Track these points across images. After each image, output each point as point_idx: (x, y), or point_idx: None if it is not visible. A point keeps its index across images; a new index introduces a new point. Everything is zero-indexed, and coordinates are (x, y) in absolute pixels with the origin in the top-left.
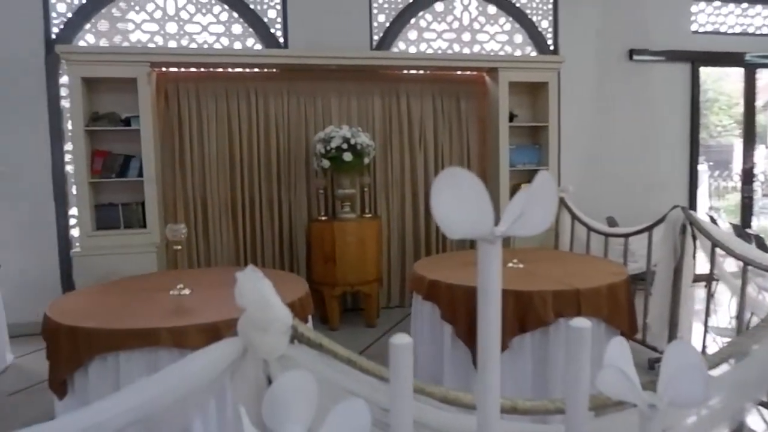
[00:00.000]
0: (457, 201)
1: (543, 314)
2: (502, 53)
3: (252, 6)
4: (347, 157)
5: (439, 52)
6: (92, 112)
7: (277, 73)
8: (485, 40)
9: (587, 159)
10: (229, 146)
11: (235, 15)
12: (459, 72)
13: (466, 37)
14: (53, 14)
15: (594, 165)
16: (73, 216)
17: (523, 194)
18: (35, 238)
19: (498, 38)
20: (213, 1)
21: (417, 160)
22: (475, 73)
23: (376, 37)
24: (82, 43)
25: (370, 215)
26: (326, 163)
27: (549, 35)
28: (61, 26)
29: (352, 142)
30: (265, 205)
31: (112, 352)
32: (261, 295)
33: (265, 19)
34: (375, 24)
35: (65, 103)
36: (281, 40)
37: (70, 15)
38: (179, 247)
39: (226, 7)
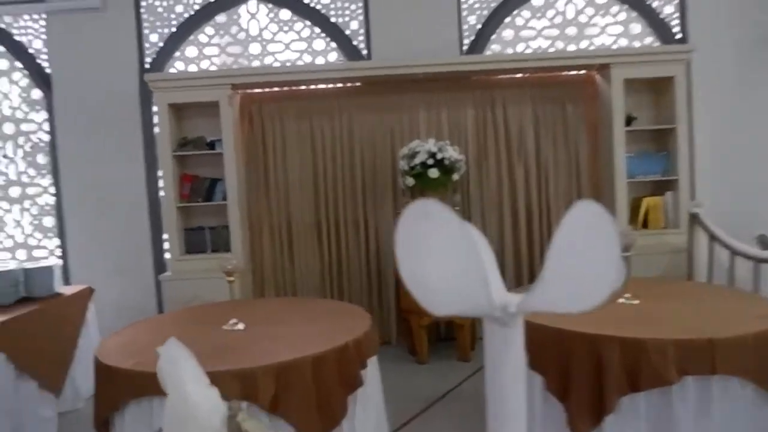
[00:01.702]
0: (438, 252)
1: (662, 370)
2: (615, 47)
3: (333, 19)
4: (433, 173)
5: (540, 51)
6: (181, 138)
7: (360, 87)
8: (595, 33)
9: (728, 166)
10: (312, 166)
11: (317, 30)
12: (564, 72)
13: (572, 31)
14: (146, 44)
15: (737, 173)
16: (166, 240)
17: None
18: (132, 262)
19: (610, 30)
20: (294, 18)
21: (516, 174)
22: (583, 72)
23: (466, 41)
24: (172, 71)
25: None
26: (410, 180)
27: (674, 21)
28: (154, 56)
29: (439, 156)
30: (350, 227)
31: (145, 396)
32: (178, 383)
33: (347, 32)
34: (465, 27)
35: (158, 130)
36: (364, 51)
37: (161, 44)
38: (232, 279)
39: (307, 23)
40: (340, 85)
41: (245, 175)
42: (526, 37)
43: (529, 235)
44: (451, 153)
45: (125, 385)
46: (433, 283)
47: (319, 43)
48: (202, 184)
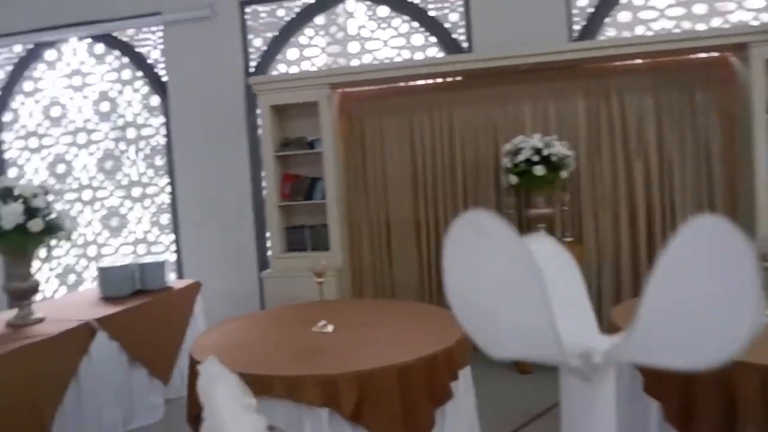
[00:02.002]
0: (493, 279)
1: None
2: (757, 23)
3: (432, 13)
4: (538, 170)
5: (663, 33)
6: (283, 138)
7: (461, 81)
8: (730, 10)
9: None
10: (411, 163)
11: (415, 25)
12: (692, 56)
13: (700, 9)
14: (251, 49)
15: None
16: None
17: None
18: (238, 259)
19: (748, 4)
20: (392, 14)
21: (635, 171)
22: (715, 54)
23: (576, 27)
24: (274, 73)
25: (570, 239)
26: (514, 178)
27: None
28: (258, 59)
29: (545, 152)
30: (449, 225)
31: None
32: (214, 407)
33: (447, 25)
34: (574, 11)
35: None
36: (465, 44)
37: (265, 48)
38: (321, 281)
39: (405, 18)
40: (439, 80)
41: (344, 174)
42: (646, 18)
43: (649, 240)
44: (559, 149)
45: None
46: (488, 317)
47: (418, 38)
48: (302, 184)
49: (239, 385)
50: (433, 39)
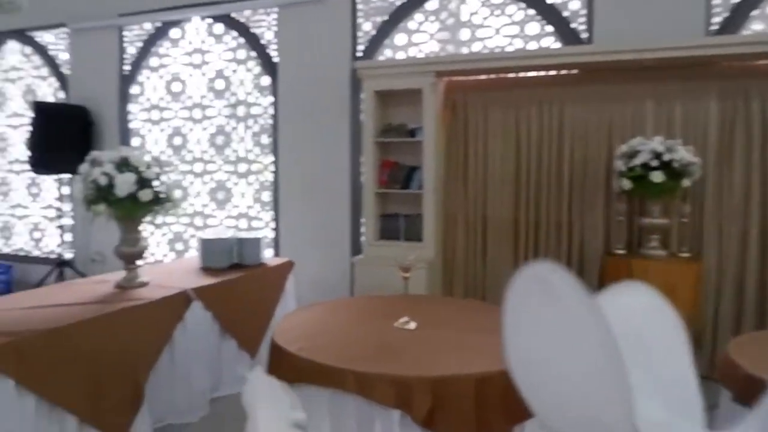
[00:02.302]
0: (556, 344)
1: None
2: None
3: (550, 0)
4: (657, 177)
5: None
6: (385, 124)
7: (576, 75)
8: None
9: None
10: (515, 159)
11: (531, 12)
12: None
13: None
14: (359, 33)
15: None
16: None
17: None
18: (332, 242)
19: None
20: (507, 1)
21: None
22: None
23: (717, 19)
24: (381, 58)
25: (687, 254)
26: (627, 183)
27: None
28: (366, 44)
29: (666, 158)
30: (552, 229)
31: (305, 383)
32: (257, 422)
33: (566, 13)
34: (716, 1)
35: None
36: (584, 35)
37: (373, 32)
38: (408, 276)
39: (521, 5)
40: (553, 72)
41: (443, 165)
42: None
43: None
44: (683, 154)
45: (288, 367)
46: (552, 394)
47: (533, 27)
48: (400, 172)
49: (288, 398)
50: (550, 28)
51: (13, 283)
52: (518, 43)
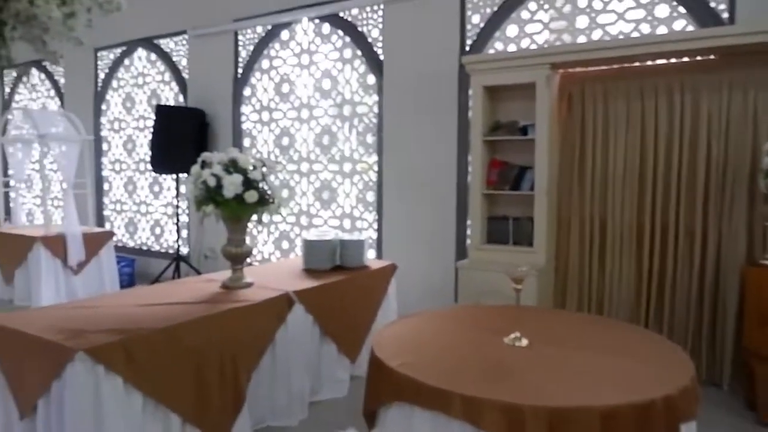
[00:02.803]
0: None
1: None
2: None
3: None
4: None
5: None
6: (494, 122)
7: (715, 61)
8: None
9: None
10: (640, 156)
11: None
12: None
13: None
14: (468, 26)
15: None
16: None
17: None
18: (436, 245)
19: None
20: None
21: None
22: None
23: None
24: (491, 51)
25: None
26: None
27: None
28: (474, 37)
29: None
30: (682, 235)
31: (406, 402)
32: None
33: None
34: None
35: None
36: (725, 15)
37: (482, 25)
38: (519, 288)
39: None
40: (686, 59)
41: (558, 164)
42: None
43: None
44: None
45: (389, 384)
46: None
47: (663, 9)
48: (510, 171)
49: None
50: (682, 9)
51: (135, 275)
52: (644, 28)
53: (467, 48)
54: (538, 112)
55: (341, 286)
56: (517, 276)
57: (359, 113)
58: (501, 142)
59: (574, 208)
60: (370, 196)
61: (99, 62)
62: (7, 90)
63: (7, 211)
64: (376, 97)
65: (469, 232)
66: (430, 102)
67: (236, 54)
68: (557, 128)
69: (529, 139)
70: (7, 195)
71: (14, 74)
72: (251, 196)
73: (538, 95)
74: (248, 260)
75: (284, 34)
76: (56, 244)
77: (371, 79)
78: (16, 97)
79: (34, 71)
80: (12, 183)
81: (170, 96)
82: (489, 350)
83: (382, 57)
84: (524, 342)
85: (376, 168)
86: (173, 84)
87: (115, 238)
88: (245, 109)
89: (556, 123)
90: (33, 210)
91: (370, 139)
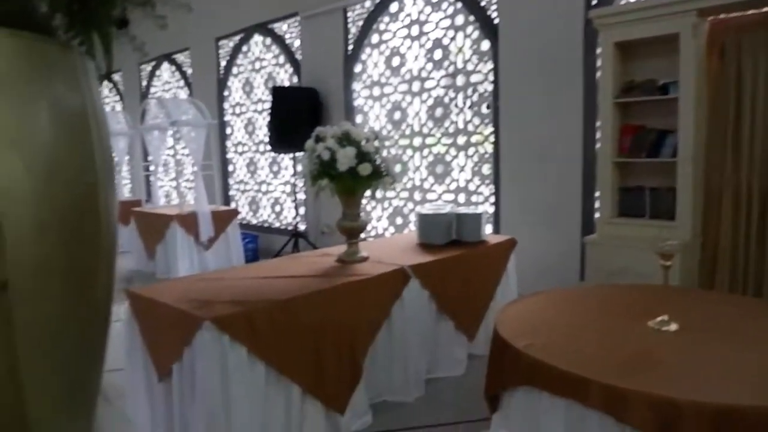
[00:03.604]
0: None
1: None
2: None
3: None
4: None
5: None
6: (626, 82)
7: None
8: None
9: None
10: None
11: None
12: None
13: None
14: None
15: None
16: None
17: None
18: (559, 219)
19: None
20: None
21: None
22: None
23: None
24: (623, 2)
25: None
26: None
27: None
28: None
29: None
30: None
31: (533, 387)
32: None
33: None
34: None
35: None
36: None
37: None
38: (669, 264)
39: None
40: None
41: (706, 127)
42: None
43: None
44: None
45: (513, 366)
46: None
47: None
48: (646, 137)
49: None
50: None
51: (259, 251)
52: None
53: (593, 2)
54: (682, 67)
55: (458, 262)
56: (666, 251)
57: (473, 82)
58: (635, 104)
59: (727, 176)
60: (486, 169)
61: (220, 51)
62: (144, 83)
63: (148, 193)
64: (491, 64)
65: (597, 204)
66: (551, 65)
67: (345, 31)
68: (706, 85)
69: (671, 98)
70: (147, 178)
71: (149, 69)
72: (365, 169)
73: (682, 48)
74: (362, 235)
75: (393, 6)
76: (189, 222)
77: (485, 45)
78: (151, 90)
79: (165, 65)
80: (151, 168)
81: (285, 78)
82: (630, 334)
83: (496, 20)
84: (673, 326)
85: (492, 139)
86: (287, 66)
87: (239, 216)
88: (356, 85)
89: (705, 79)
90: (169, 191)
91: (486, 109)
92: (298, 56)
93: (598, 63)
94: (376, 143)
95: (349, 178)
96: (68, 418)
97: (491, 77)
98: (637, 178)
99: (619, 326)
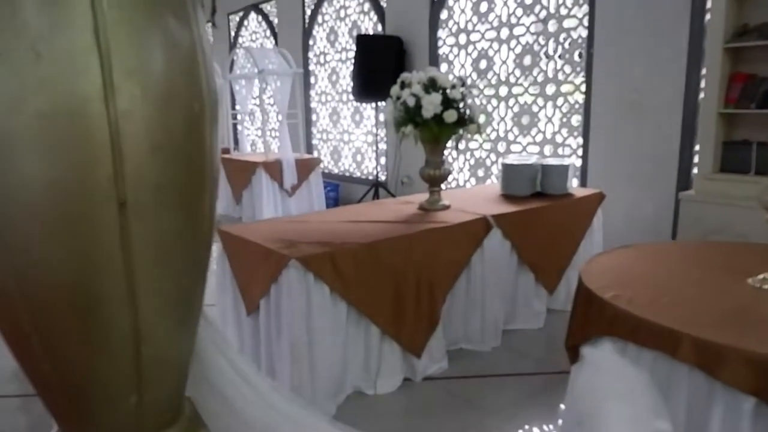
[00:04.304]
0: None
1: None
2: None
3: None
4: None
5: None
6: (739, 26)
7: None
8: None
9: None
10: None
11: None
12: None
13: None
14: None
15: None
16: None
17: None
18: (653, 173)
19: None
20: None
21: None
22: None
23: None
24: None
25: None
26: None
27: None
28: None
29: None
30: None
31: (618, 338)
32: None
33: None
34: None
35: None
36: None
37: None
38: None
39: None
40: None
41: None
42: None
43: None
44: None
45: (598, 317)
46: None
47: None
48: (758, 86)
49: (651, 399)
50: None
51: (339, 199)
52: None
53: None
54: None
55: (541, 214)
56: None
57: (566, 27)
58: (749, 50)
59: None
60: (575, 120)
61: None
62: (232, 33)
63: (235, 141)
64: (586, 8)
65: (696, 159)
66: (654, 8)
67: None
68: None
69: None
70: (235, 127)
71: (237, 19)
72: (450, 116)
73: None
74: (443, 186)
75: None
76: (274, 169)
77: None
78: (240, 40)
79: (252, 14)
80: (238, 117)
81: (369, 26)
82: (727, 291)
83: None
84: None
85: (583, 89)
86: (372, 14)
87: (321, 165)
88: (442, 33)
89: None
90: (255, 140)
91: (578, 57)
92: (383, 3)
93: (708, 4)
94: (463, 90)
95: (434, 125)
96: (177, 330)
97: (586, 22)
98: (743, 131)
99: (715, 282)
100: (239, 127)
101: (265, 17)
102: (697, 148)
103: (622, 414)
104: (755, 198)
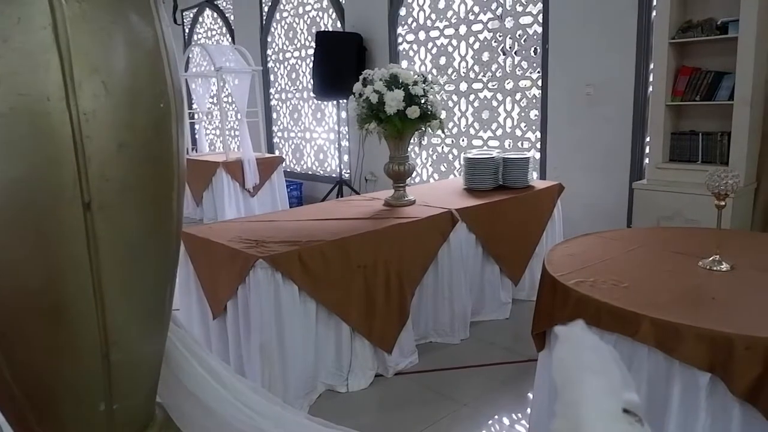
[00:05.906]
0: None
1: None
2: None
3: None
4: None
5: None
6: (684, 22)
7: None
8: None
9: None
10: None
11: None
12: None
13: None
14: None
15: None
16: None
17: None
18: (608, 164)
19: None
20: None
21: None
22: None
23: None
24: None
25: None
26: None
27: None
28: None
29: None
30: None
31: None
32: (575, 400)
33: None
34: None
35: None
36: None
37: None
38: (723, 204)
39: None
40: None
41: (767, 69)
42: None
43: None
44: None
45: (563, 303)
46: None
47: None
48: (702, 79)
49: (621, 372)
50: None
51: (303, 198)
52: None
53: None
54: (743, 3)
55: (504, 206)
56: (721, 190)
57: (522, 24)
58: (692, 44)
59: None
60: (533, 115)
61: None
62: (186, 30)
63: (193, 141)
64: (540, 5)
65: (648, 149)
66: (603, 5)
67: None
68: None
69: (730, 38)
70: (192, 126)
71: (191, 16)
72: (413, 112)
73: None
74: (408, 181)
75: None
76: (235, 169)
77: None
78: (195, 37)
79: (207, 11)
80: (196, 116)
81: (329, 23)
82: (681, 273)
83: None
84: (725, 266)
85: (539, 83)
86: (331, 11)
87: (283, 164)
88: (401, 30)
89: (767, 17)
90: (213, 139)
91: (533, 53)
92: (342, 0)
93: (654, 2)
94: (425, 86)
95: (397, 120)
96: (147, 333)
97: (540, 19)
98: (690, 122)
99: (669, 265)
100: (197, 127)
101: (221, 14)
102: (648, 139)
103: (597, 385)
104: (703, 185)
